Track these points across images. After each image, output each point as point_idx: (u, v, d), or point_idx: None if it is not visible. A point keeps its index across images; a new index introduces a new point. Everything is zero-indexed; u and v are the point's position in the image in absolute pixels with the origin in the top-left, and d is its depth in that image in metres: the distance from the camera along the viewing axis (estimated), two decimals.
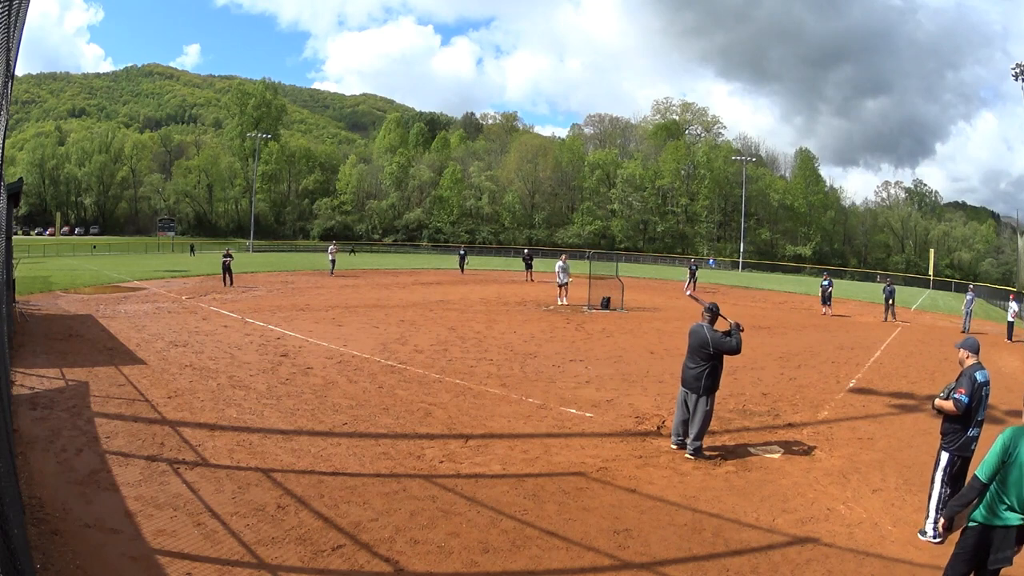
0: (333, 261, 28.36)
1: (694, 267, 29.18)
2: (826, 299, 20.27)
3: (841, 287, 28.55)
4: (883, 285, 21.57)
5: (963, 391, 4.49)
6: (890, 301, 19.92)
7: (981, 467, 3.25)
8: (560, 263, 19.20)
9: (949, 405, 4.54)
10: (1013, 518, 3.20)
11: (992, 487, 3.23)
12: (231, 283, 21.48)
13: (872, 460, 6.30)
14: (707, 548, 4.33)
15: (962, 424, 4.57)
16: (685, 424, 6.22)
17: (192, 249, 46.71)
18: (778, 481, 5.63)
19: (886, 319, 19.70)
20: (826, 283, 20.51)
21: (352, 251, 52.78)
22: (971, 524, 3.31)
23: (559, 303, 18.60)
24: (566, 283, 18.90)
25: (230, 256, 21.95)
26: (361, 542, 4.19)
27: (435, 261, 46.52)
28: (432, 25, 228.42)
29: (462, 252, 34.46)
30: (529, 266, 29.69)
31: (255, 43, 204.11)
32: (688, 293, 6.89)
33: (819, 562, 4.19)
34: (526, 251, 33.81)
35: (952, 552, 3.48)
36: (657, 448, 6.39)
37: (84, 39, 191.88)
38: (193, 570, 3.74)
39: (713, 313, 6.32)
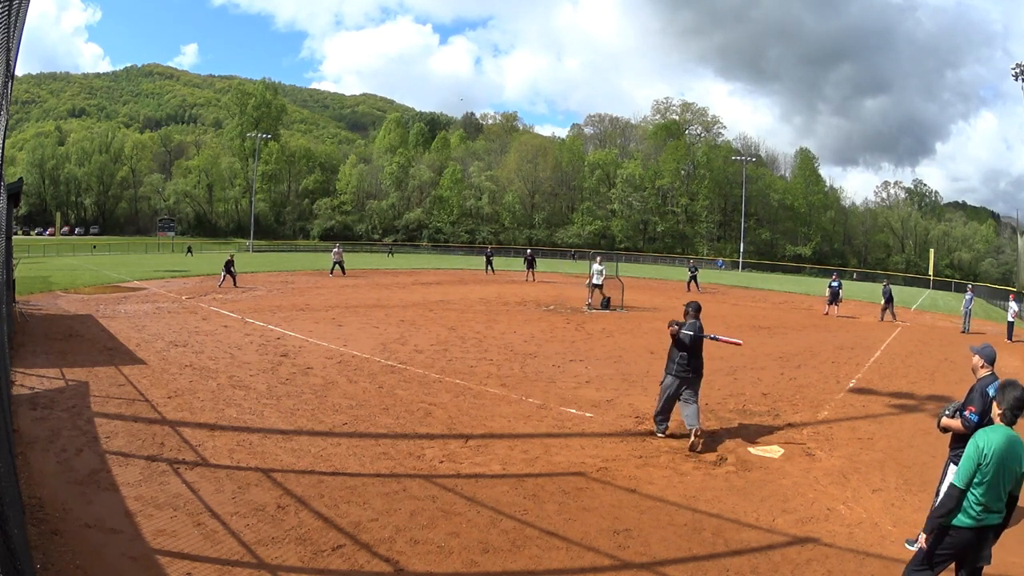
0: (338, 263, 27.55)
1: (694, 268, 29.28)
2: (834, 299, 20.27)
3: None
4: (881, 286, 21.56)
5: (973, 409, 4.22)
6: (889, 302, 19.97)
7: (957, 475, 3.23)
8: (597, 265, 18.61)
9: (957, 424, 4.30)
10: (992, 519, 3.22)
11: (972, 491, 3.22)
12: (234, 284, 21.33)
13: (872, 460, 6.30)
14: (707, 548, 4.33)
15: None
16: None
17: (189, 250, 46.68)
18: (778, 481, 5.63)
19: (883, 319, 19.76)
20: (835, 284, 20.56)
21: (391, 252, 52.66)
22: (953, 526, 3.27)
23: (587, 307, 18.11)
24: (600, 285, 18.48)
25: (231, 262, 21.89)
26: (361, 542, 4.19)
27: (435, 261, 46.54)
28: (430, 24, 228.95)
29: (489, 253, 34.88)
30: (531, 266, 29.58)
31: (253, 43, 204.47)
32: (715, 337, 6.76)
33: (819, 562, 4.18)
34: (528, 251, 33.89)
35: (925, 553, 3.39)
36: (657, 448, 6.39)
37: (82, 38, 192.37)
38: (193, 570, 3.74)
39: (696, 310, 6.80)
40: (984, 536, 3.25)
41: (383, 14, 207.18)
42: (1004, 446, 3.18)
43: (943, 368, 11.46)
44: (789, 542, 4.47)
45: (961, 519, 3.24)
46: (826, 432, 7.20)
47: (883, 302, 20.22)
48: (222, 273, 21.55)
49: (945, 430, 4.49)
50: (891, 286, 20.77)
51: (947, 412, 4.48)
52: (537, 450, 6.18)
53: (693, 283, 27.99)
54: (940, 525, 3.26)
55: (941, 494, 4.41)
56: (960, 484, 3.19)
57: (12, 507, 3.26)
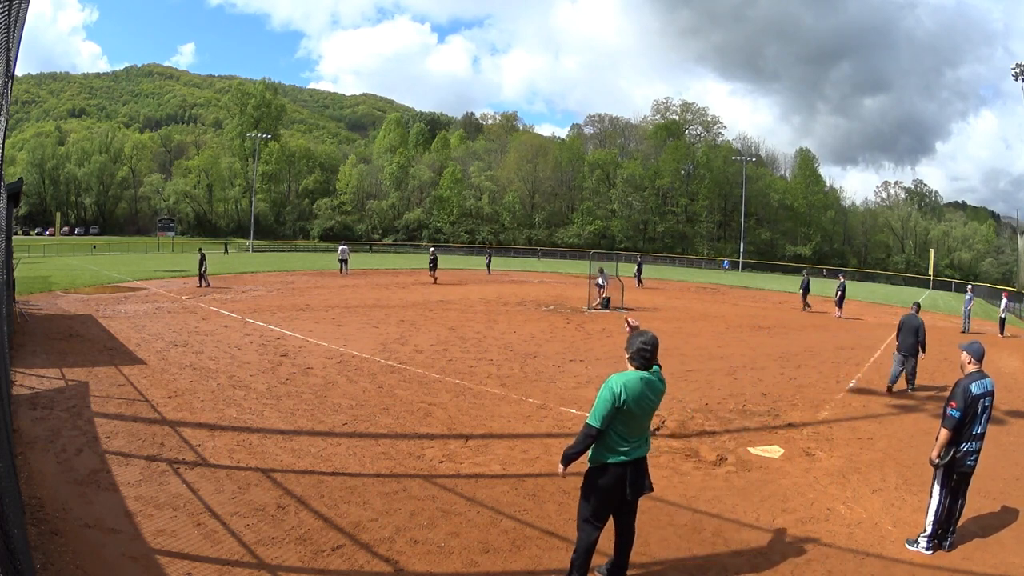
0: (344, 261, 28.65)
1: (640, 262, 30.68)
2: (839, 301, 20.19)
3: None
4: (805, 278, 22.32)
5: (955, 404, 4.23)
6: (806, 291, 21.41)
7: (593, 415, 3.43)
8: (600, 278, 19.30)
9: (943, 437, 4.27)
10: (641, 451, 3.56)
11: (615, 431, 3.44)
12: (206, 284, 20.67)
13: (872, 460, 6.30)
14: (707, 548, 4.33)
15: (954, 439, 4.27)
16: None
17: (226, 248, 49.37)
18: (778, 481, 5.63)
19: (804, 308, 21.11)
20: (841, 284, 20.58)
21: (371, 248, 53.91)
22: (608, 464, 3.48)
23: (588, 308, 18.37)
24: (602, 286, 18.92)
25: (203, 257, 21.09)
26: (361, 542, 4.19)
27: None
28: (428, 23, 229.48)
29: (488, 252, 37.33)
30: (434, 265, 26.77)
31: (250, 43, 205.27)
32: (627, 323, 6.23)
33: (819, 562, 4.18)
34: (431, 248, 31.04)
35: (592, 495, 3.55)
36: (657, 448, 6.38)
37: (80, 38, 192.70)
38: (193, 570, 3.74)
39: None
40: (639, 467, 3.54)
41: (380, 14, 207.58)
42: (640, 388, 3.44)
43: (943, 368, 11.45)
44: (789, 542, 4.47)
45: (615, 458, 3.46)
46: (826, 432, 7.20)
47: (802, 292, 21.45)
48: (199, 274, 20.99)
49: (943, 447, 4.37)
50: (810, 277, 22.10)
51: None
52: (537, 450, 6.18)
53: (637, 277, 28.68)
54: (571, 458, 3.53)
55: (933, 496, 4.42)
56: (596, 424, 3.42)
57: (12, 507, 3.26)
